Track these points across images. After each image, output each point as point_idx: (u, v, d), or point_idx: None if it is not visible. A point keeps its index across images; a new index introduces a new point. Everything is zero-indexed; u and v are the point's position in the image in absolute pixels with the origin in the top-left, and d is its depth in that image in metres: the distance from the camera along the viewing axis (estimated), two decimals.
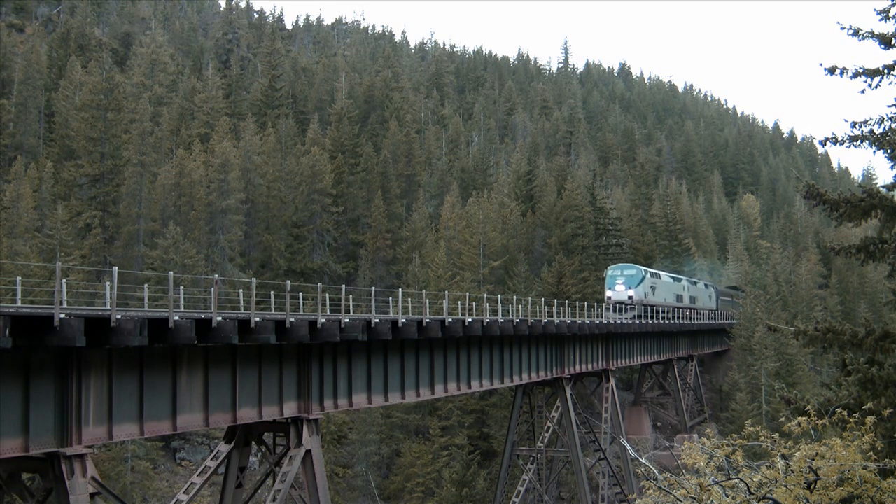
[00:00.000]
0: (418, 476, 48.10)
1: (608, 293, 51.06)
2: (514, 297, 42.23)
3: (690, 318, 61.40)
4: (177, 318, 15.91)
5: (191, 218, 55.72)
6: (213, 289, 17.42)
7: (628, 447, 20.29)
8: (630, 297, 49.95)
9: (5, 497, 15.47)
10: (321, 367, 21.62)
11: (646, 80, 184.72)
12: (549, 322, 33.71)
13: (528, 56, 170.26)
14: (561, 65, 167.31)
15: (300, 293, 26.56)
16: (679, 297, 59.59)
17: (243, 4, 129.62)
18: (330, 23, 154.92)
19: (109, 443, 29.27)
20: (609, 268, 53.68)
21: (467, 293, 28.63)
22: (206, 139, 69.04)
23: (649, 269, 55.05)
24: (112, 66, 70.32)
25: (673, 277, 60.49)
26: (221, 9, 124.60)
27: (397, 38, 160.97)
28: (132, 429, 16.52)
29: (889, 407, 15.43)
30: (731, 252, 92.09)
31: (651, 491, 12.09)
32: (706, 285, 71.56)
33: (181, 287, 21.63)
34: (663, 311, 54.41)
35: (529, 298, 35.12)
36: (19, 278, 19.00)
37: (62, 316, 13.67)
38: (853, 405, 15.43)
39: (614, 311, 48.47)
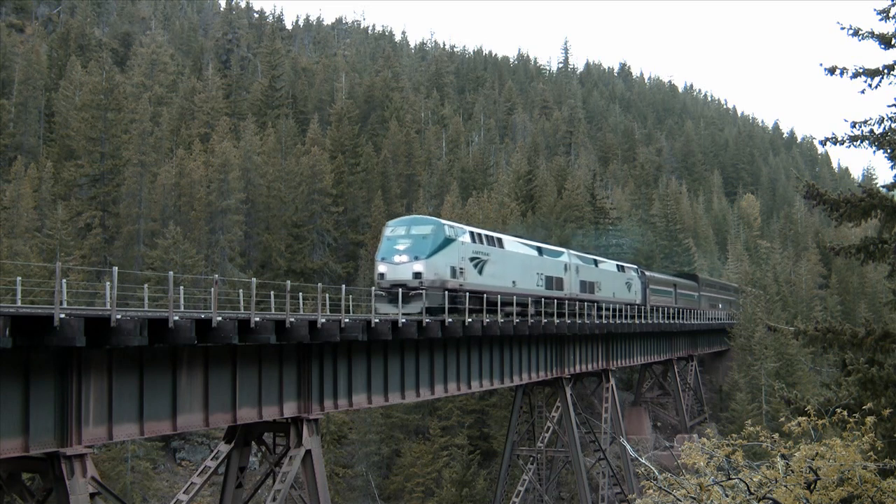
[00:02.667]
0: (418, 476, 48.10)
1: (379, 267, 28.76)
2: (514, 297, 42.16)
3: (582, 314, 38.62)
4: (177, 318, 15.91)
5: (191, 218, 55.73)
6: (213, 289, 17.42)
7: (628, 447, 20.29)
8: (418, 275, 27.79)
9: (5, 497, 15.47)
10: (321, 367, 21.62)
11: (646, 80, 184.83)
12: (549, 322, 33.71)
13: (528, 56, 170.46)
14: (561, 65, 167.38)
15: (300, 293, 26.56)
16: (551, 282, 37.08)
17: (243, 4, 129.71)
18: (330, 23, 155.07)
19: (109, 443, 29.27)
20: (388, 224, 31.02)
21: (467, 293, 28.61)
22: (206, 139, 69.05)
23: (472, 229, 31.96)
24: (112, 66, 70.29)
25: (536, 247, 37.42)
26: (221, 9, 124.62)
27: (397, 38, 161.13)
28: (132, 429, 16.52)
29: (889, 407, 15.44)
30: (731, 252, 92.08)
31: (651, 491, 12.09)
32: (621, 267, 49.43)
33: (181, 287, 21.63)
34: (514, 306, 32.43)
35: (529, 298, 35.09)
36: (19, 278, 18.99)
37: (62, 316, 13.67)
38: (853, 405, 15.44)
39: (389, 301, 26.37)
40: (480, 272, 30.64)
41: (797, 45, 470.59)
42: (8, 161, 61.02)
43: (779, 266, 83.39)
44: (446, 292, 27.71)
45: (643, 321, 47.77)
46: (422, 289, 26.85)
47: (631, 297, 48.87)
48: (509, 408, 45.42)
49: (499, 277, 32.07)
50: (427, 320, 24.67)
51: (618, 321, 43.93)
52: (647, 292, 52.27)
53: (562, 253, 40.28)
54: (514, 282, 33.43)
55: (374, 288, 25.70)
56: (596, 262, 44.83)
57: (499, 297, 29.83)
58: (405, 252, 28.15)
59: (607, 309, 42.01)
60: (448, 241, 28.91)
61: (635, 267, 53.11)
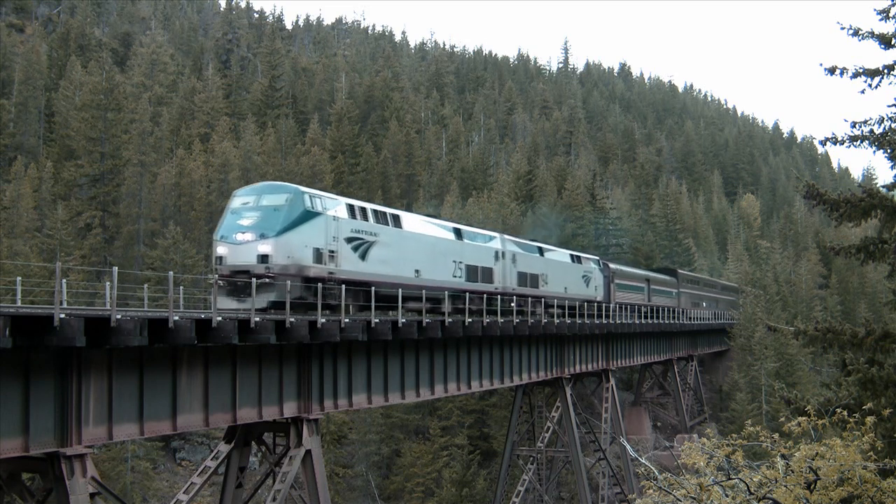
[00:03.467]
0: (418, 476, 48.10)
1: (217, 248, 22.02)
2: (515, 297, 42.05)
3: (523, 311, 34.04)
4: (177, 318, 15.90)
5: (191, 218, 55.76)
6: (213, 289, 17.41)
7: (628, 447, 20.29)
8: (264, 258, 21.13)
9: (5, 497, 15.46)
10: (321, 367, 21.62)
11: (646, 80, 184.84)
12: (549, 322, 33.70)
13: (528, 56, 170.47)
14: (561, 65, 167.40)
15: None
16: (475, 272, 30.61)
17: (243, 4, 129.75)
18: (330, 23, 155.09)
19: (109, 443, 29.27)
20: (234, 193, 23.92)
21: (467, 293, 28.61)
22: (206, 139, 69.09)
23: (351, 201, 25.23)
24: (112, 66, 70.31)
25: (453, 229, 30.60)
26: (221, 9, 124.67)
27: (397, 38, 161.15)
28: (132, 429, 16.52)
29: (889, 407, 15.44)
30: (731, 252, 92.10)
31: (651, 491, 12.09)
32: (576, 258, 42.98)
33: (181, 287, 21.62)
34: (423, 302, 26.02)
35: (529, 298, 35.11)
36: (19, 278, 19.00)
37: (62, 316, 13.66)
38: (853, 405, 15.44)
39: (229, 293, 20.79)
40: (364, 257, 23.92)
41: (797, 45, 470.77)
42: (8, 161, 61.02)
43: (779, 266, 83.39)
44: (307, 281, 21.21)
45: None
46: (269, 276, 20.46)
47: (589, 293, 42.40)
48: (509, 408, 45.42)
49: (393, 264, 25.26)
50: (427, 320, 24.67)
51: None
52: (611, 288, 46.05)
53: (492, 238, 33.32)
54: (417, 271, 26.56)
55: (214, 276, 20.66)
56: (541, 251, 38.22)
57: (399, 290, 23.36)
58: (250, 229, 21.31)
59: (559, 307, 34.93)
60: (310, 215, 22.10)
61: (596, 258, 46.86)
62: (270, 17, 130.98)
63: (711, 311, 68.80)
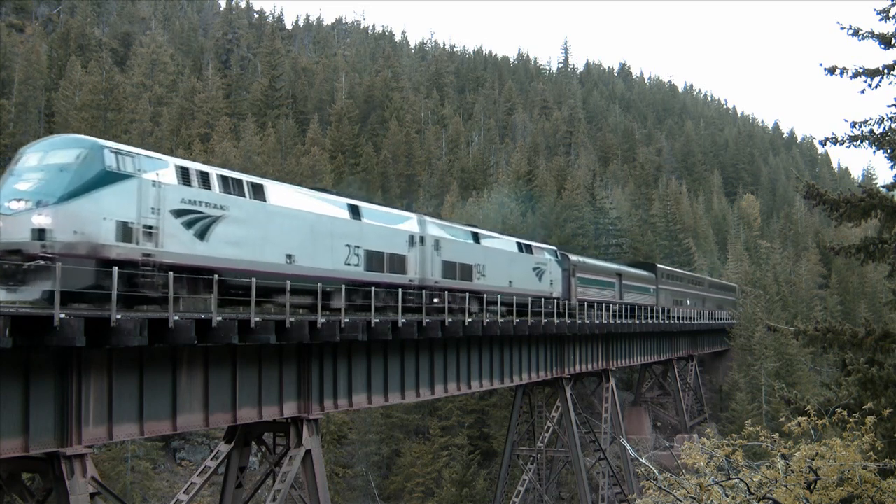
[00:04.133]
0: (418, 476, 48.10)
1: None
2: (514, 297, 41.81)
3: (452, 308, 28.21)
4: (177, 318, 15.90)
5: None
6: (213, 288, 17.40)
7: (628, 447, 20.29)
8: (41, 234, 15.40)
9: (5, 497, 15.45)
10: (321, 367, 21.63)
11: (646, 80, 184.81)
12: (549, 322, 33.70)
13: (528, 56, 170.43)
14: (561, 65, 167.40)
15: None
16: (380, 260, 25.50)
17: (243, 4, 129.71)
18: (330, 23, 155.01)
19: (109, 443, 29.25)
20: (20, 150, 17.88)
21: (467, 293, 28.60)
22: (206, 139, 69.09)
23: (184, 163, 19.30)
24: (112, 66, 70.31)
25: (348, 206, 24.90)
26: (221, 9, 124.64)
27: (397, 38, 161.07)
28: (132, 429, 16.52)
29: (889, 407, 15.44)
30: (731, 252, 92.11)
31: (651, 491, 12.09)
32: (525, 247, 36.55)
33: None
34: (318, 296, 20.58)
35: (529, 298, 35.08)
36: None
37: (62, 316, 13.65)
38: (853, 405, 15.44)
39: None
40: (203, 236, 18.53)
41: (797, 45, 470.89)
42: (8, 161, 60.95)
43: (779, 266, 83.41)
44: (107, 264, 15.81)
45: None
46: (47, 257, 15.16)
47: (542, 289, 36.17)
48: (509, 408, 45.42)
49: (250, 246, 19.79)
50: (427, 320, 24.66)
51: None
52: (571, 283, 40.00)
53: (406, 218, 27.37)
54: (289, 256, 21.09)
55: None
56: (477, 237, 31.77)
57: (254, 280, 18.52)
58: (26, 195, 15.87)
59: (504, 305, 29.78)
60: (114, 178, 16.67)
61: (553, 249, 40.67)
62: (270, 17, 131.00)
63: (697, 310, 63.47)
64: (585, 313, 38.62)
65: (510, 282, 33.81)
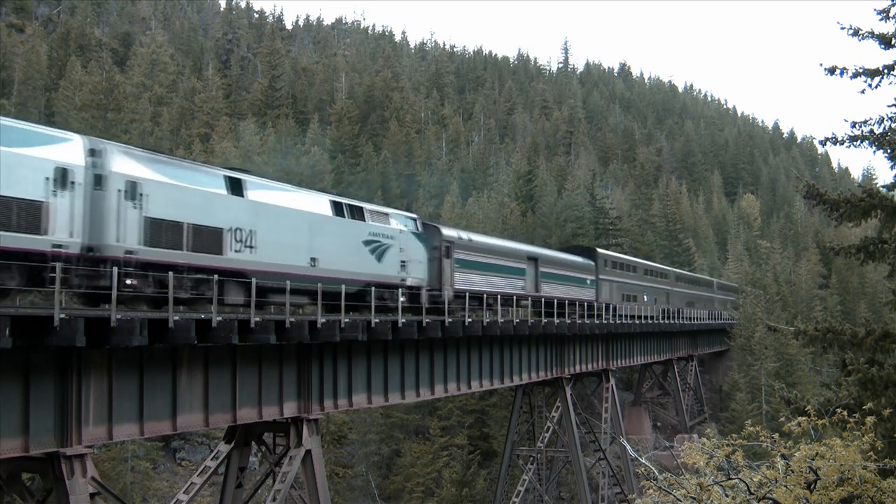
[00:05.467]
0: (418, 476, 48.10)
1: None
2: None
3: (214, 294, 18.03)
4: (177, 318, 15.91)
5: None
6: (213, 288, 17.40)
7: (628, 447, 20.30)
8: None
9: (5, 497, 15.46)
10: (321, 367, 21.63)
11: (646, 80, 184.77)
12: (549, 322, 33.70)
13: (528, 56, 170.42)
14: (561, 65, 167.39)
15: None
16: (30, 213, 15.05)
17: (243, 4, 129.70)
18: (330, 23, 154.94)
19: (109, 443, 29.26)
20: None
21: (467, 293, 28.61)
22: (206, 139, 69.08)
23: None
24: (112, 66, 70.30)
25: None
26: (221, 9, 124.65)
27: (397, 38, 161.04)
28: (132, 429, 16.53)
29: (889, 407, 15.44)
30: (731, 252, 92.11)
31: (651, 491, 12.10)
32: (353, 210, 25.48)
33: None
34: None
35: (529, 298, 35.09)
36: None
37: (62, 316, 13.66)
38: (853, 405, 15.44)
39: None
40: None
41: (797, 45, 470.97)
42: None
43: (779, 266, 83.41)
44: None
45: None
46: None
47: (384, 272, 25.51)
48: (509, 408, 45.42)
49: None
50: (427, 320, 24.68)
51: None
52: (444, 267, 28.93)
53: (52, 139, 16.46)
54: None
55: None
56: (238, 186, 20.48)
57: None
58: None
59: (296, 292, 20.14)
60: None
61: (413, 217, 28.92)
62: (270, 17, 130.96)
63: (658, 307, 53.37)
64: (467, 312, 27.39)
65: (313, 259, 22.29)
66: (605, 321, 40.65)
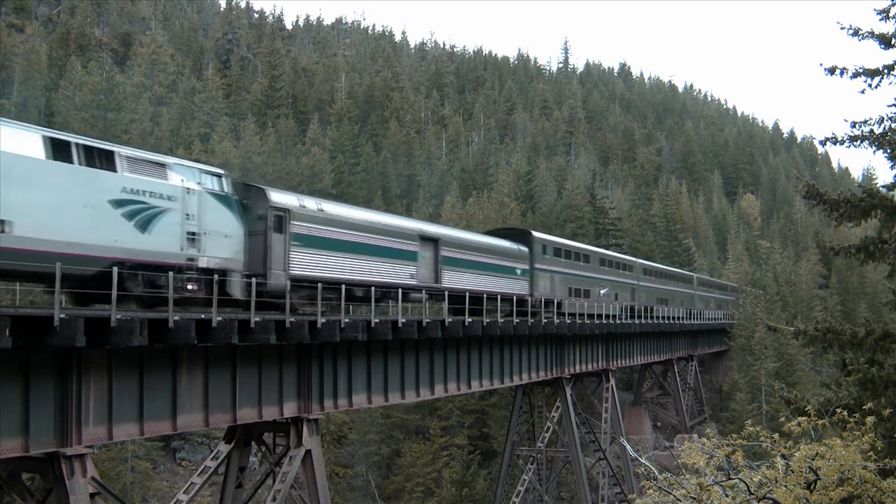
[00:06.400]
0: (418, 476, 48.11)
1: None
2: (515, 297, 40.54)
3: None
4: (177, 318, 15.91)
5: None
6: (213, 288, 17.40)
7: (628, 447, 20.30)
8: None
9: (5, 497, 15.46)
10: (321, 367, 21.63)
11: (646, 80, 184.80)
12: (549, 322, 33.69)
13: (528, 56, 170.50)
14: (561, 65, 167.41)
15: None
16: None
17: (243, 4, 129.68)
18: (330, 23, 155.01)
19: (109, 443, 29.26)
20: None
21: (467, 293, 28.59)
22: (206, 139, 69.07)
23: None
24: (112, 66, 70.28)
25: None
26: (221, 9, 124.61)
27: (397, 38, 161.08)
28: (132, 429, 16.53)
29: (889, 407, 15.44)
30: (731, 252, 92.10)
31: (651, 491, 12.10)
32: (95, 155, 16.74)
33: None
34: None
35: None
36: None
37: (62, 316, 13.66)
38: (853, 405, 15.45)
39: None
40: None
41: (797, 45, 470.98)
42: None
43: (779, 266, 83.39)
44: None
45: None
46: None
47: (167, 249, 18.27)
48: (509, 408, 45.41)
49: None
50: (427, 320, 24.68)
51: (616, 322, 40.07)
52: (279, 247, 21.28)
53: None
54: None
55: None
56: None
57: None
58: None
59: None
60: None
61: (217, 173, 20.46)
62: (270, 17, 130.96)
63: (618, 304, 46.24)
64: (319, 309, 19.98)
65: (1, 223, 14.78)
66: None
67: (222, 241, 19.59)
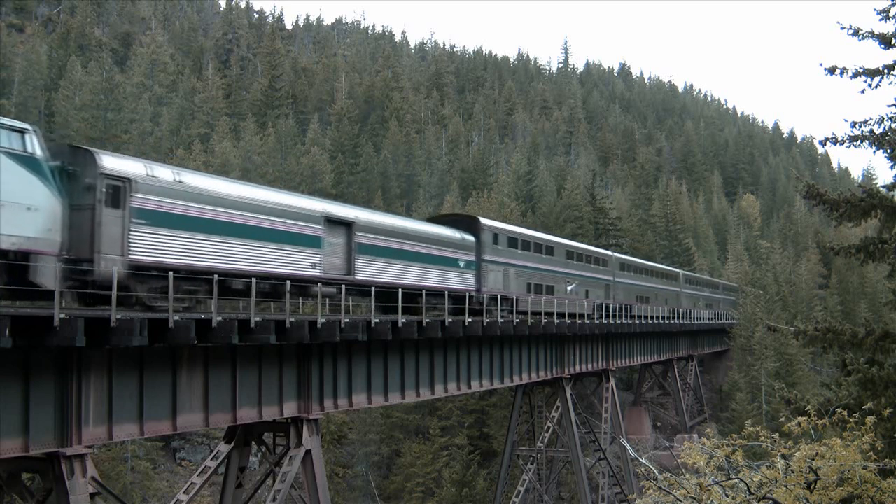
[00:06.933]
0: (418, 476, 48.11)
1: None
2: (515, 297, 40.00)
3: None
4: (177, 318, 15.90)
5: None
6: (213, 288, 17.40)
7: (628, 447, 20.29)
8: None
9: (5, 497, 15.46)
10: (321, 367, 21.63)
11: (646, 80, 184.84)
12: (549, 322, 33.68)
13: (528, 56, 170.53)
14: (561, 65, 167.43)
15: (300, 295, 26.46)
16: None
17: (243, 4, 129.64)
18: (330, 23, 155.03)
19: (109, 443, 29.27)
20: None
21: (467, 293, 28.59)
22: (206, 139, 69.08)
23: None
24: (112, 66, 70.26)
25: None
26: (221, 9, 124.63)
27: (397, 38, 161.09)
28: (132, 429, 16.52)
29: (889, 407, 15.44)
30: (731, 252, 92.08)
31: (651, 491, 12.11)
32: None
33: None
34: None
35: (529, 298, 34.94)
36: None
37: (62, 316, 13.65)
38: (853, 405, 15.44)
39: None
40: None
41: (797, 45, 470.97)
42: None
43: (779, 266, 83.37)
44: None
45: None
46: None
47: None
48: (509, 408, 45.41)
49: None
50: (427, 320, 24.68)
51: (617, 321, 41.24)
52: (114, 225, 16.82)
53: None
54: None
55: None
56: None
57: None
58: None
59: None
60: None
61: (21, 127, 15.45)
62: (270, 17, 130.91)
63: (594, 302, 42.28)
64: (171, 304, 16.19)
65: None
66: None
67: (23, 215, 14.88)
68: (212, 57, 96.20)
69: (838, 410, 12.89)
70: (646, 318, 49.23)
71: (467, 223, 32.41)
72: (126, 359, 16.22)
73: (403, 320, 23.31)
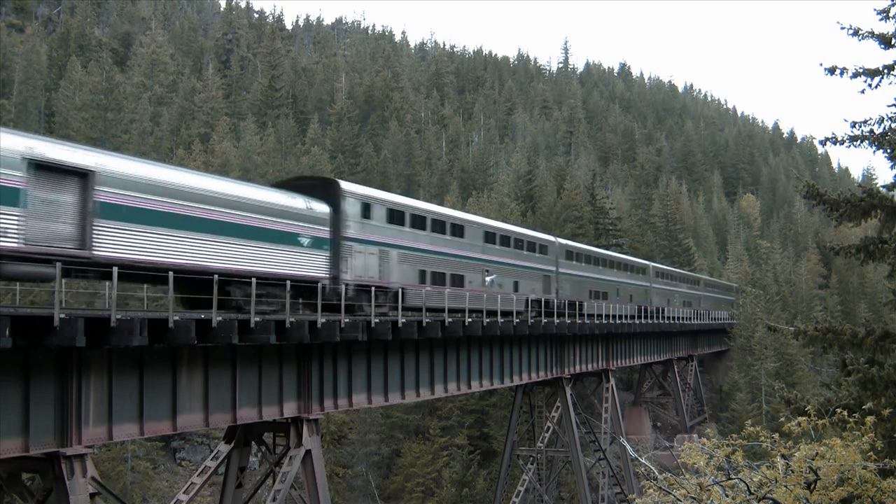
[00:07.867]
0: (418, 476, 48.10)
1: None
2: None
3: None
4: (177, 318, 15.89)
5: None
6: (213, 288, 17.38)
7: (628, 447, 20.29)
8: None
9: (5, 497, 15.45)
10: (321, 367, 21.62)
11: (646, 80, 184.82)
12: (549, 322, 33.67)
13: (528, 56, 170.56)
14: (561, 65, 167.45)
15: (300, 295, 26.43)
16: None
17: (243, 4, 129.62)
18: (330, 23, 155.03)
19: (109, 443, 29.27)
20: None
21: (467, 293, 28.58)
22: (206, 139, 69.07)
23: None
24: (112, 66, 70.26)
25: None
26: (221, 9, 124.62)
27: (397, 38, 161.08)
28: (132, 429, 16.51)
29: (889, 407, 15.45)
30: (731, 252, 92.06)
31: (651, 491, 12.11)
32: None
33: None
34: None
35: (529, 298, 34.97)
36: None
37: (62, 316, 13.65)
38: (853, 405, 15.44)
39: None
40: None
41: (797, 45, 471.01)
42: None
43: (779, 266, 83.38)
44: None
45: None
46: None
47: None
48: (509, 408, 45.41)
49: None
50: (427, 320, 24.66)
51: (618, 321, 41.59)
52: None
53: None
54: None
55: None
56: None
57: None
58: None
59: None
60: None
61: None
62: (270, 17, 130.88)
63: (524, 297, 34.56)
64: None
65: None
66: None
67: None
68: (212, 57, 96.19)
69: (838, 410, 12.89)
70: (608, 317, 41.76)
71: (323, 188, 24.28)
72: (126, 359, 16.21)
73: (403, 320, 23.31)
